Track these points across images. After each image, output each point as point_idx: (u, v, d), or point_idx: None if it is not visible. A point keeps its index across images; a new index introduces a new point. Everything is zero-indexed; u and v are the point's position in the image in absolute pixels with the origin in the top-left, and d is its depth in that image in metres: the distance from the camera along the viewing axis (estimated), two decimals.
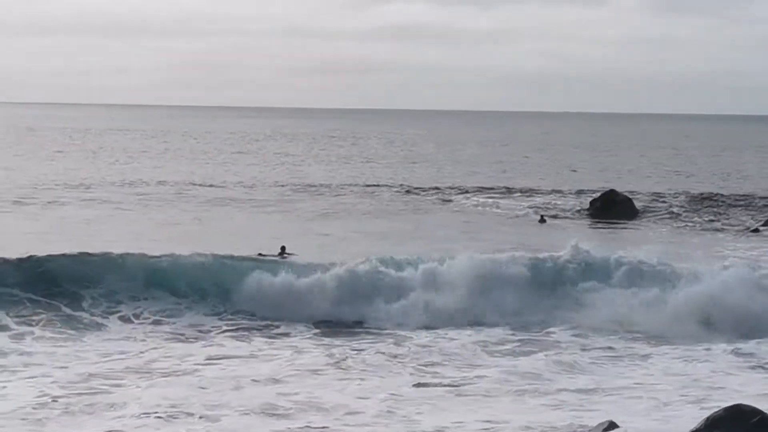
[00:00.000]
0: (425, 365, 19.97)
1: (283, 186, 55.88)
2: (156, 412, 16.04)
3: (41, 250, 25.81)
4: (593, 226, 44.38)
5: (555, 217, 46.48)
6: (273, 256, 29.61)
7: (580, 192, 54.96)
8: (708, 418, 15.05)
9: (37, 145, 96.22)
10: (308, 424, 15.89)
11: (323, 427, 15.81)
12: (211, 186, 54.25)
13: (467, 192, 54.64)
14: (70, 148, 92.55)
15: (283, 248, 30.54)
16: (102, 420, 15.80)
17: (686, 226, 43.41)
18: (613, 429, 16.00)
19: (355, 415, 16.49)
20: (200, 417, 16.01)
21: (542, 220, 44.98)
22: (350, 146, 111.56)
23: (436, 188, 55.96)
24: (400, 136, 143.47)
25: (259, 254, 29.41)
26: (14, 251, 25.80)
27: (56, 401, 16.68)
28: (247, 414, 16.35)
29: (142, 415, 15.93)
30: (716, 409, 15.25)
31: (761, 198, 51.11)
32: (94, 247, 26.99)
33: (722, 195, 52.59)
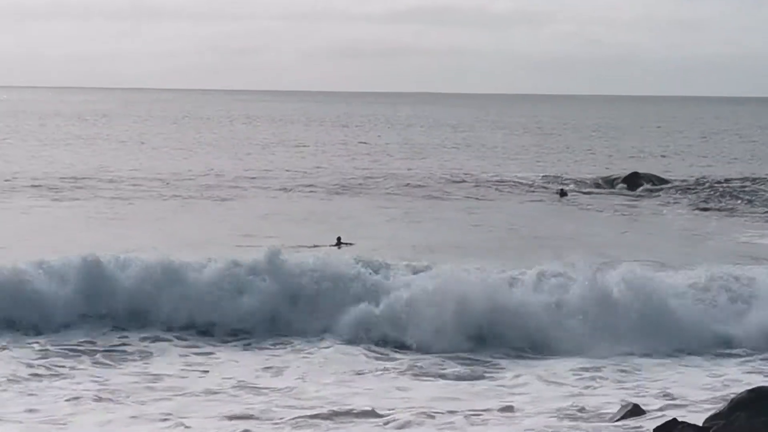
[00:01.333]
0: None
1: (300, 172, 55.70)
2: None
3: None
4: (613, 201, 44.72)
5: (575, 191, 47.10)
6: (330, 245, 29.28)
7: (601, 173, 55.03)
8: (731, 401, 14.93)
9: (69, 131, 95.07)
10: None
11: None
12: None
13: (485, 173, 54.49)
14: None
15: (339, 239, 29.87)
16: None
17: (707, 208, 42.98)
18: (637, 413, 15.89)
19: None
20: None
21: (563, 194, 45.22)
22: (381, 129, 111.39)
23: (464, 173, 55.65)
24: (418, 120, 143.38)
25: (314, 245, 28.86)
26: None
27: None
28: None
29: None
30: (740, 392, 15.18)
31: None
32: None
33: (742, 178, 52.14)
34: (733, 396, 15.04)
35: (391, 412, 15.21)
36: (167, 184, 46.38)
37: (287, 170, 54.15)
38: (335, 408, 15.27)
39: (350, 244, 29.66)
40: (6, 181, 45.97)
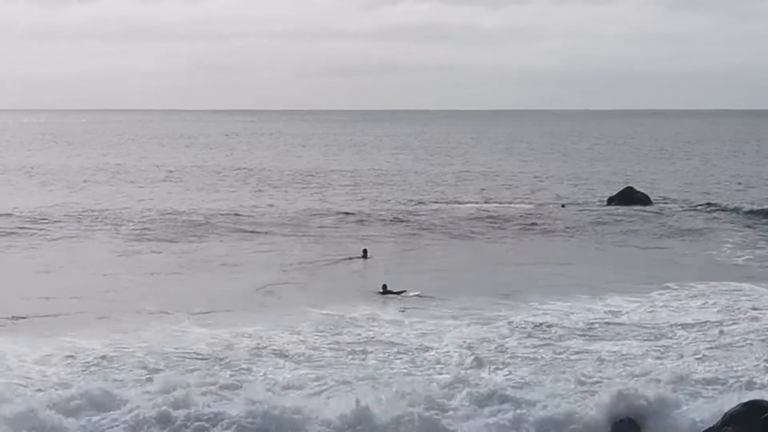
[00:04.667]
0: None
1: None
2: None
3: None
4: (610, 212, 46.13)
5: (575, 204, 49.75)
6: (357, 257, 33.83)
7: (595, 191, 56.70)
8: (725, 414, 15.41)
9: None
10: None
11: None
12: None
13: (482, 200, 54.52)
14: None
15: (365, 251, 34.31)
16: None
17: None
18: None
19: None
20: None
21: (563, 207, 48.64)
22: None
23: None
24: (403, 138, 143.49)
25: (348, 258, 34.01)
26: None
27: None
28: None
29: None
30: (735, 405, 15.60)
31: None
32: None
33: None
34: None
35: None
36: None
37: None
38: None
39: (371, 257, 33.94)
40: None
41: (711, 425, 15.62)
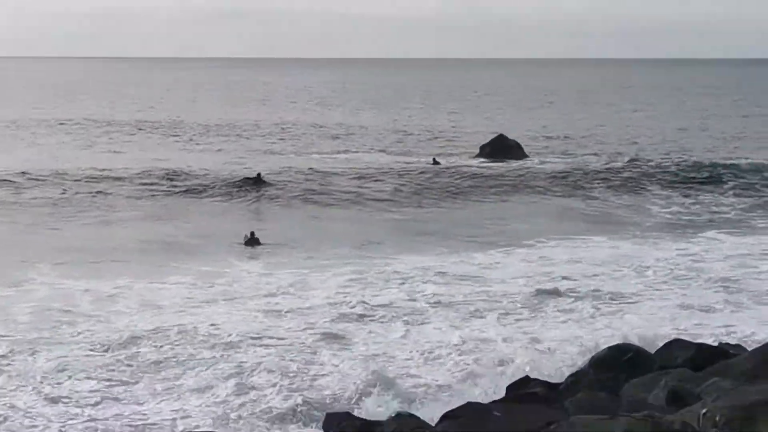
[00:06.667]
0: None
1: None
2: None
3: None
4: (483, 164, 46.07)
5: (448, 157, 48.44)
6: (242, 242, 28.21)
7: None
8: (592, 358, 15.89)
9: None
10: None
11: None
12: None
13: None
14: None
15: (252, 234, 28.43)
16: None
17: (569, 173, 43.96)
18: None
19: None
20: None
21: (435, 162, 46.37)
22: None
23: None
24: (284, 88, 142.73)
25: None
26: None
27: None
28: None
29: None
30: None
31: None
32: None
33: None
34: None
35: None
36: None
37: None
38: None
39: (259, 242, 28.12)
40: None
41: (577, 370, 16.00)
